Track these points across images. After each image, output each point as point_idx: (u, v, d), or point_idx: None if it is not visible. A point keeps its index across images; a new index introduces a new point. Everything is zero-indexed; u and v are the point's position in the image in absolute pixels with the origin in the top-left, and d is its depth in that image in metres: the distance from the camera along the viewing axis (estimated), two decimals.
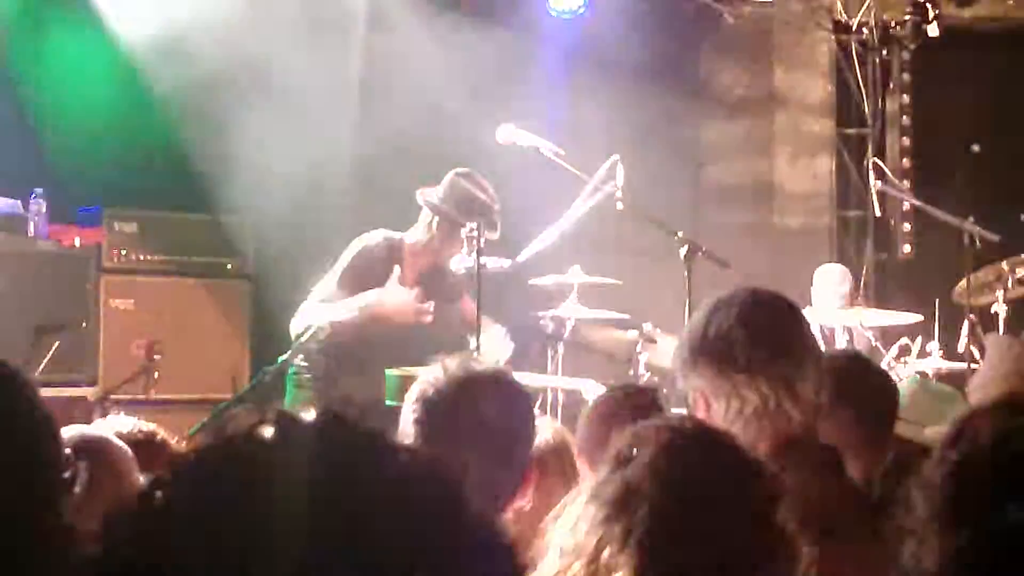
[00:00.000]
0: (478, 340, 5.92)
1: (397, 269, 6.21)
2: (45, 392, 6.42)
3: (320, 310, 6.10)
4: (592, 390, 6.44)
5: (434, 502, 1.15)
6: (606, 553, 1.95)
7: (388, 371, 6.10)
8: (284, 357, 5.91)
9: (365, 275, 6.18)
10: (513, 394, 2.94)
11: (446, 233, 6.21)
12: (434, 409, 2.83)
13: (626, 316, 7.28)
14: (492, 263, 6.05)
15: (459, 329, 6.31)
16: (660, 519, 1.94)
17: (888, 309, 7.93)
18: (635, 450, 2.03)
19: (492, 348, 6.16)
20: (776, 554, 1.95)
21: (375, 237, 6.30)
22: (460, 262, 6.06)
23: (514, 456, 2.84)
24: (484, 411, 2.81)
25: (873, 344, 7.74)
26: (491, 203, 6.07)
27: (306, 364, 6.18)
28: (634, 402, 3.66)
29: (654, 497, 1.95)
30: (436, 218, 6.23)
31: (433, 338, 6.02)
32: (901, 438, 3.67)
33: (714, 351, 2.78)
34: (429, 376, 2.87)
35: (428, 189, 6.27)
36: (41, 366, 6.91)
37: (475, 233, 5.85)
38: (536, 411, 6.56)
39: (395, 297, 6.11)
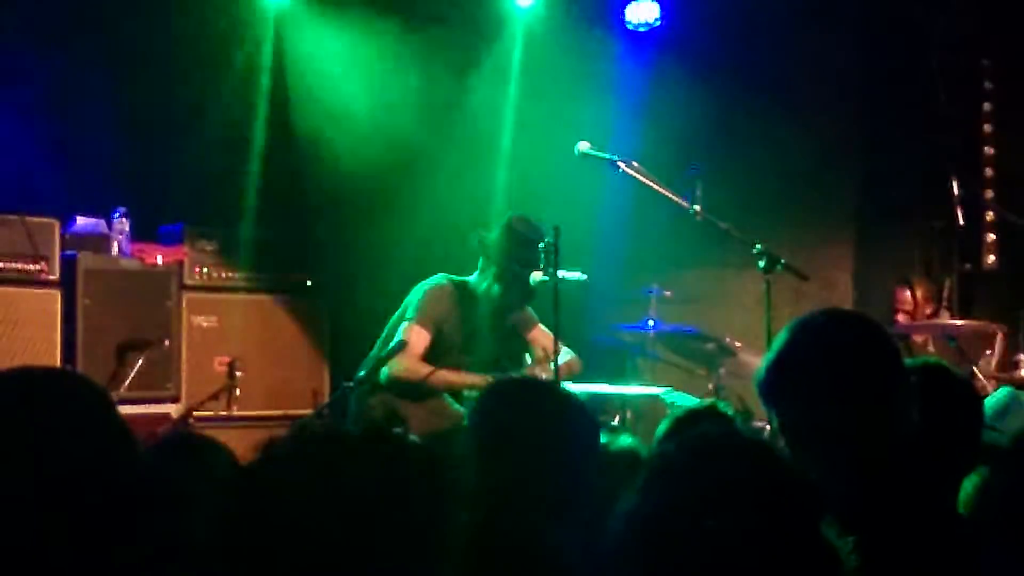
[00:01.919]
0: (556, 364, 5.91)
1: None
2: (129, 409, 6.51)
3: (425, 369, 6.12)
4: (671, 397, 6.43)
5: None
6: None
7: (467, 393, 6.12)
8: (362, 373, 5.93)
9: (440, 315, 6.20)
10: (564, 403, 2.91)
11: (503, 278, 6.20)
12: (485, 418, 2.83)
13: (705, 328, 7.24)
14: (570, 277, 6.04)
15: (520, 362, 6.32)
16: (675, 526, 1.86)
17: (973, 320, 7.82)
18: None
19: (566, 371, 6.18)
20: (816, 570, 1.88)
21: (441, 280, 6.30)
22: (536, 277, 6.06)
23: (572, 467, 2.79)
24: (531, 419, 2.79)
25: (958, 355, 7.64)
26: (542, 246, 6.00)
27: (369, 396, 6.21)
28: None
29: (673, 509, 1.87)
30: (491, 264, 6.22)
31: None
32: (990, 450, 3.60)
33: (796, 377, 2.74)
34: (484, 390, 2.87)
35: (483, 232, 6.25)
36: (125, 383, 6.99)
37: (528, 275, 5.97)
38: (615, 423, 6.60)
39: None
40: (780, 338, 2.80)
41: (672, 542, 1.81)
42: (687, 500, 1.82)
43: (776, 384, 2.77)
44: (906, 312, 8.05)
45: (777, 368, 2.77)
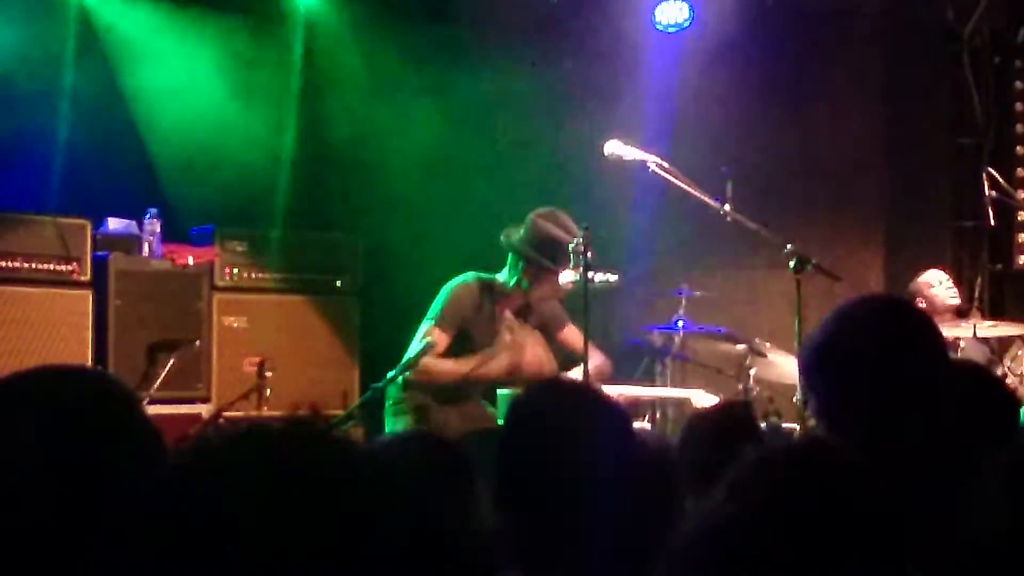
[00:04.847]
0: (585, 365, 5.89)
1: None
2: (160, 409, 6.55)
3: (444, 364, 6.12)
4: (701, 399, 6.40)
5: None
6: None
7: (500, 391, 6.11)
8: (392, 373, 5.94)
9: (463, 315, 6.20)
10: (598, 405, 2.87)
11: (531, 275, 6.20)
12: (519, 422, 2.81)
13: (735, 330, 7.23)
14: (600, 278, 6.02)
15: (551, 363, 6.30)
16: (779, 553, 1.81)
17: (1003, 320, 7.78)
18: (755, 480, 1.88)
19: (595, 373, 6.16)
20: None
21: (468, 279, 6.30)
22: (566, 277, 6.04)
23: (606, 469, 2.75)
24: (566, 423, 2.76)
25: (988, 356, 7.60)
26: (572, 241, 5.97)
27: (403, 395, 6.22)
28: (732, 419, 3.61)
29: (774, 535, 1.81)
30: (520, 260, 6.21)
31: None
32: None
33: (837, 360, 2.69)
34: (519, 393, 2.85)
35: (512, 229, 6.25)
36: (156, 384, 7.03)
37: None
38: (645, 424, 6.59)
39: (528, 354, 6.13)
40: (826, 319, 2.73)
41: (744, 556, 1.76)
42: (759, 515, 1.77)
43: (816, 366, 2.71)
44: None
45: (819, 349, 2.70)
